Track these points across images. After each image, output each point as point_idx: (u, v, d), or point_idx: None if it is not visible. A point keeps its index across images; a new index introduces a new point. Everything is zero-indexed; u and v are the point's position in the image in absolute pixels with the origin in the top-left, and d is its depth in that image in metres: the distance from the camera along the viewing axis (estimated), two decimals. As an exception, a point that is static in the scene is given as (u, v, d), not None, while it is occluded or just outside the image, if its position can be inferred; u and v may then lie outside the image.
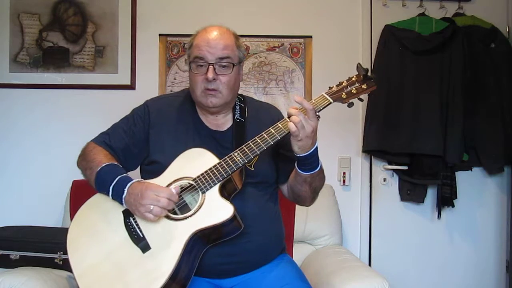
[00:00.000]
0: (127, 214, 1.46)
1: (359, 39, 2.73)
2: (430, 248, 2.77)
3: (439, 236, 2.78)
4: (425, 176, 2.68)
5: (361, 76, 1.48)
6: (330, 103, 1.45)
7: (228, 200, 1.45)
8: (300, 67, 2.72)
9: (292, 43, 2.72)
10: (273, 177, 1.66)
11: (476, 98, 2.66)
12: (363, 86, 1.47)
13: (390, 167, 2.73)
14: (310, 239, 2.38)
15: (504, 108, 2.67)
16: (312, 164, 1.50)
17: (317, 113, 1.42)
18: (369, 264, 2.67)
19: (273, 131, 1.45)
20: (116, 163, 1.54)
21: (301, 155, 1.45)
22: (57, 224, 2.40)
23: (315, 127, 1.42)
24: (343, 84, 1.48)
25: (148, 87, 2.61)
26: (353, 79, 1.48)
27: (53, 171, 2.56)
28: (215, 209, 1.42)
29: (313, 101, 1.45)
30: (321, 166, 1.53)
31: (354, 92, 1.47)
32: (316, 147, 1.47)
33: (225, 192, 1.47)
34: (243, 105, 1.68)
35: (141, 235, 1.43)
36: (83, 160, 1.58)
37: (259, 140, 1.45)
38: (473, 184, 2.78)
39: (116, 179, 1.46)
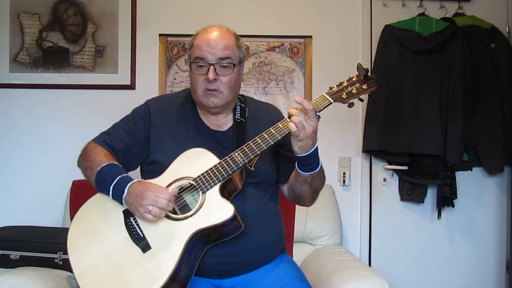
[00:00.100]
0: (127, 214, 1.46)
1: (359, 39, 2.73)
2: (430, 248, 2.77)
3: (439, 236, 2.78)
4: (425, 176, 2.68)
5: (362, 76, 1.48)
6: (331, 103, 1.45)
7: (229, 200, 1.45)
8: (300, 67, 2.72)
9: (292, 43, 2.72)
10: (274, 177, 1.66)
11: (476, 98, 2.66)
12: (363, 86, 1.47)
13: (390, 167, 2.73)
14: (310, 239, 2.38)
15: (504, 108, 2.67)
16: (312, 164, 1.50)
17: (318, 113, 1.42)
18: (369, 264, 2.67)
19: (273, 131, 1.45)
20: (116, 163, 1.54)
21: (301, 155, 1.45)
22: (57, 224, 2.40)
23: (316, 127, 1.42)
24: (344, 84, 1.48)
25: (148, 87, 2.61)
26: (353, 79, 1.48)
27: (53, 171, 2.56)
28: (215, 209, 1.42)
29: (314, 101, 1.45)
30: (321, 166, 1.53)
31: (355, 92, 1.47)
32: (316, 147, 1.47)
33: (225, 192, 1.47)
34: (243, 105, 1.68)
35: (142, 235, 1.43)
36: (84, 160, 1.58)
37: (259, 140, 1.45)
38: (473, 184, 2.78)
39: (117, 179, 1.46)
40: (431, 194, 2.76)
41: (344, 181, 2.72)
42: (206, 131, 1.62)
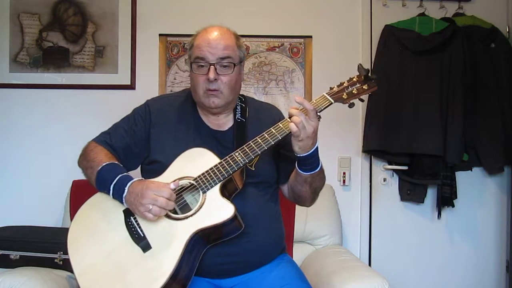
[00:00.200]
0: (127, 213, 1.46)
1: (359, 39, 2.73)
2: (430, 248, 2.77)
3: (439, 236, 2.78)
4: (425, 176, 2.68)
5: (362, 77, 1.48)
6: (331, 103, 1.45)
7: (229, 200, 1.45)
8: (300, 67, 2.72)
9: (292, 43, 2.72)
10: (274, 177, 1.66)
11: (476, 98, 2.66)
12: (364, 87, 1.47)
13: (390, 167, 2.73)
14: (310, 239, 2.38)
15: (504, 108, 2.68)
16: (312, 164, 1.50)
17: (318, 114, 1.42)
18: (369, 264, 2.67)
19: (274, 131, 1.45)
20: (116, 162, 1.54)
21: (301, 155, 1.46)
22: (57, 224, 2.39)
23: (316, 128, 1.42)
24: (344, 84, 1.48)
25: (148, 87, 2.61)
26: (354, 79, 1.48)
27: (53, 171, 2.56)
28: (215, 209, 1.42)
29: (314, 101, 1.45)
30: (321, 166, 1.53)
31: (355, 92, 1.47)
32: (317, 147, 1.47)
33: (226, 192, 1.47)
34: (244, 105, 1.69)
35: (142, 235, 1.43)
36: (84, 160, 1.58)
37: (260, 140, 1.45)
38: (473, 184, 2.79)
39: (117, 178, 1.46)
40: (431, 194, 2.76)
41: (344, 181, 2.72)
42: (207, 131, 1.62)
